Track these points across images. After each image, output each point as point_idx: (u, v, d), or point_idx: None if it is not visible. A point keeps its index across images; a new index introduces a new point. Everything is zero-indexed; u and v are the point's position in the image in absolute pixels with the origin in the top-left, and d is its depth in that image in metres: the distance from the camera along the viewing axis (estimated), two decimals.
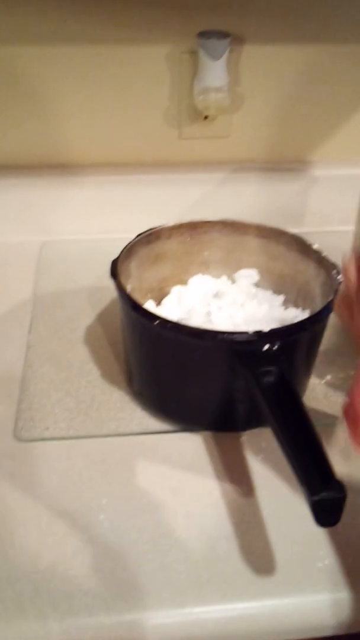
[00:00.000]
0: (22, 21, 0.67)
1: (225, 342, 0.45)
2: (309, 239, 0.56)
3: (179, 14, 0.69)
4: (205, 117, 0.75)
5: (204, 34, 0.68)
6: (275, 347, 0.44)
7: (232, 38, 0.69)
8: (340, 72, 0.75)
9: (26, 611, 0.39)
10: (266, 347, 0.44)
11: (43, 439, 0.50)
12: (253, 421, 0.51)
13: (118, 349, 0.59)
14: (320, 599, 0.41)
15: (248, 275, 0.61)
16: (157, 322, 0.45)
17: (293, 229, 0.58)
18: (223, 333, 0.45)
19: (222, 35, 0.68)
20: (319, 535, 0.44)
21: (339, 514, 0.35)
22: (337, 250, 0.56)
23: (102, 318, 0.65)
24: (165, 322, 0.45)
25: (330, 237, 0.61)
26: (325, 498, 0.35)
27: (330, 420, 0.53)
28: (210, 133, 0.77)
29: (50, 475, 0.47)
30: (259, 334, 0.45)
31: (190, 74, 0.71)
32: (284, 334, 0.46)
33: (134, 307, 0.47)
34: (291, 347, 0.46)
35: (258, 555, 0.42)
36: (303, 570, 0.42)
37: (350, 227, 0.67)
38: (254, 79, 0.74)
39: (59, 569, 0.41)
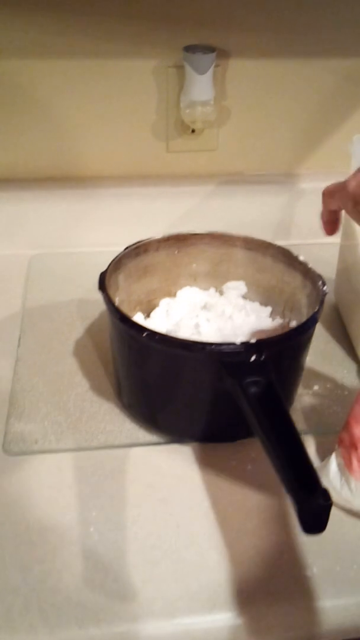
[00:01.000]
0: (8, 34, 0.68)
1: (213, 354, 0.46)
2: (296, 251, 0.58)
3: (165, 29, 0.71)
4: (192, 131, 0.77)
5: (189, 49, 0.70)
6: (262, 357, 0.45)
7: (218, 52, 0.71)
8: (325, 86, 0.77)
9: (16, 624, 0.39)
10: (253, 357, 0.45)
11: (32, 453, 0.51)
12: (242, 432, 0.52)
13: (107, 362, 0.60)
14: (309, 607, 0.41)
15: (236, 287, 0.62)
16: (146, 334, 0.46)
17: (280, 242, 0.59)
18: (210, 344, 0.46)
19: (208, 49, 0.70)
20: (307, 545, 0.44)
21: (325, 522, 0.36)
22: (323, 263, 0.57)
23: (91, 331, 0.66)
24: (153, 334, 0.46)
25: (317, 250, 0.63)
26: (312, 506, 0.36)
27: (317, 430, 0.54)
28: (197, 146, 0.78)
29: (40, 489, 0.48)
30: (246, 345, 0.46)
31: (177, 88, 0.73)
32: (270, 345, 0.47)
33: (122, 319, 0.48)
34: (278, 358, 0.48)
35: (248, 565, 0.43)
36: (292, 579, 0.43)
37: (337, 240, 0.69)
38: (240, 93, 0.76)
39: (49, 581, 0.42)
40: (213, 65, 0.70)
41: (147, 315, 0.61)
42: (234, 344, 0.46)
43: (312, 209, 0.81)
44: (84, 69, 0.72)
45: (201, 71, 0.70)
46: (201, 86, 0.71)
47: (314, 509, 0.36)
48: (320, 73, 0.76)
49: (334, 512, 0.46)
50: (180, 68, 0.72)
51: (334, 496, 0.43)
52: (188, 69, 0.70)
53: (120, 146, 0.77)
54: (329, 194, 0.49)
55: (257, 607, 0.41)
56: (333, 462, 0.47)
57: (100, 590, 0.41)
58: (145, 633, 0.40)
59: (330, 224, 0.51)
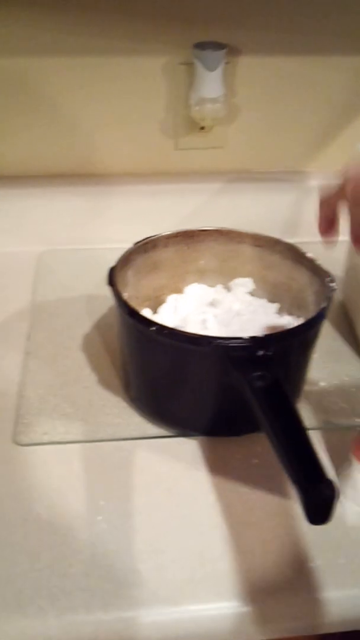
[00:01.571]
0: (18, 32, 0.70)
1: (221, 348, 0.47)
2: (305, 249, 0.59)
3: (175, 26, 0.72)
4: (202, 128, 0.78)
5: (199, 45, 0.71)
6: (270, 352, 0.47)
7: (228, 49, 0.72)
8: (334, 83, 0.79)
9: (26, 608, 0.41)
10: (260, 352, 0.47)
11: (42, 444, 0.53)
12: (248, 426, 0.53)
13: (115, 356, 0.62)
14: (312, 598, 0.43)
15: (243, 284, 0.63)
16: (154, 328, 0.48)
17: (288, 239, 0.61)
18: (218, 339, 0.48)
19: (218, 46, 0.71)
20: (311, 537, 0.46)
21: (331, 513, 0.38)
22: (331, 260, 0.59)
23: (99, 326, 0.67)
24: (161, 328, 0.48)
25: (325, 247, 0.64)
26: (317, 497, 0.37)
27: (324, 426, 0.55)
28: (206, 144, 0.80)
29: (49, 479, 0.50)
30: (253, 339, 0.47)
31: (187, 85, 0.75)
32: (278, 340, 0.48)
33: (130, 313, 0.50)
34: (285, 353, 0.49)
35: (252, 555, 0.45)
36: (294, 570, 0.44)
37: (345, 237, 0.70)
38: (250, 90, 0.78)
39: (58, 567, 0.43)
40: (223, 62, 0.72)
41: (155, 312, 0.62)
42: (241, 338, 0.47)
43: None
44: (93, 67, 0.74)
45: (211, 68, 0.71)
46: (211, 83, 0.72)
47: (320, 499, 0.37)
48: (330, 71, 0.78)
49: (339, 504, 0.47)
50: (190, 65, 0.73)
51: None
52: (198, 65, 0.71)
53: (130, 143, 0.79)
54: (326, 202, 0.49)
55: (260, 596, 0.43)
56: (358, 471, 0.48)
57: (107, 577, 0.43)
58: (151, 619, 0.42)
59: (331, 229, 0.51)
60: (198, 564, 0.44)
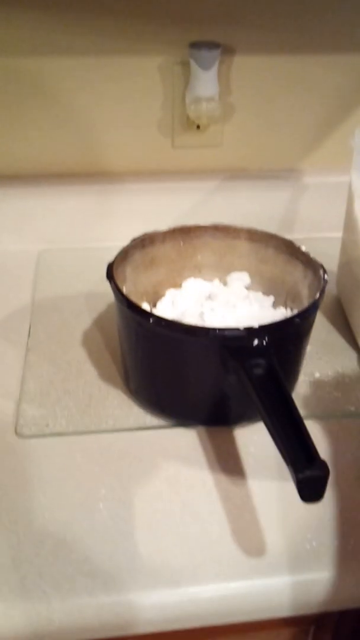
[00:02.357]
0: (14, 33, 0.72)
1: (218, 338, 0.49)
2: (300, 244, 0.60)
3: (171, 26, 0.73)
4: (198, 127, 0.80)
5: (195, 45, 0.73)
6: (265, 342, 0.48)
7: (223, 49, 0.73)
8: (329, 82, 0.80)
9: (30, 592, 0.42)
10: (256, 342, 0.48)
11: (44, 435, 0.54)
12: (245, 416, 0.55)
13: (114, 351, 0.63)
14: (308, 578, 0.44)
15: (239, 278, 0.65)
16: (152, 320, 0.50)
17: (284, 236, 0.62)
18: (215, 329, 0.49)
19: (213, 45, 0.73)
20: (307, 521, 0.47)
21: (323, 491, 0.39)
22: (326, 256, 0.60)
23: (99, 322, 0.69)
24: (160, 320, 0.49)
25: (320, 244, 0.65)
26: (310, 476, 0.39)
27: (318, 415, 0.57)
28: (203, 142, 0.81)
29: (51, 469, 0.51)
30: (249, 329, 0.49)
31: (183, 84, 0.76)
32: (272, 330, 0.50)
33: (129, 306, 0.51)
34: (280, 343, 0.51)
35: (249, 539, 0.46)
36: (292, 552, 0.45)
37: (339, 234, 0.72)
38: (245, 89, 0.79)
39: (61, 553, 0.45)
40: (218, 62, 0.73)
41: (153, 306, 0.64)
42: (237, 329, 0.49)
43: (315, 204, 0.85)
44: (90, 67, 0.75)
45: (206, 67, 0.73)
46: (206, 82, 0.74)
47: (312, 478, 0.39)
48: (325, 69, 0.79)
49: (332, 488, 0.49)
50: (185, 65, 0.75)
51: None
52: (193, 65, 0.73)
53: (127, 142, 0.80)
54: None
55: (258, 578, 0.44)
56: None
57: (108, 562, 0.44)
58: (152, 601, 0.43)
59: None
60: (197, 548, 0.46)
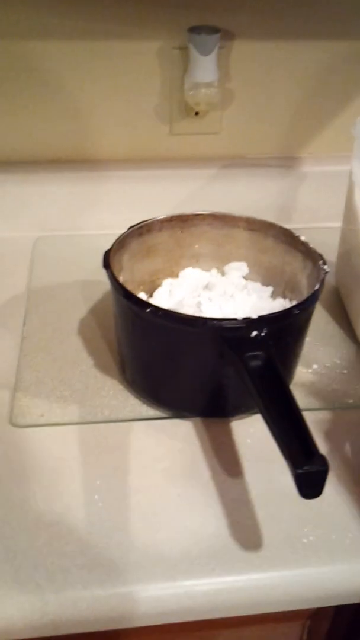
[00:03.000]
0: (10, 15, 0.70)
1: (215, 329, 0.48)
2: (299, 234, 0.59)
3: (170, 10, 0.72)
4: (196, 113, 0.78)
5: (194, 30, 0.71)
6: (263, 333, 0.47)
7: (222, 34, 0.72)
8: (330, 69, 0.78)
9: (24, 584, 0.42)
10: (254, 333, 0.47)
11: (38, 425, 0.53)
12: (242, 407, 0.54)
13: (111, 340, 0.62)
14: (305, 573, 0.44)
15: (237, 268, 0.64)
16: (149, 309, 0.49)
17: (283, 225, 0.61)
18: (212, 320, 0.48)
19: (212, 30, 0.71)
20: (304, 514, 0.47)
21: (322, 486, 0.38)
22: (325, 246, 0.59)
23: (95, 311, 0.68)
24: (156, 310, 0.48)
25: (318, 233, 0.64)
26: (309, 471, 0.38)
27: (316, 407, 0.56)
28: (201, 129, 0.80)
29: (46, 459, 0.50)
30: (247, 320, 0.48)
31: (182, 69, 0.75)
32: (271, 321, 0.49)
33: (126, 295, 0.50)
34: (278, 334, 0.50)
35: (246, 533, 0.46)
36: (288, 547, 0.45)
37: (338, 224, 0.71)
38: (244, 75, 0.77)
39: (56, 545, 0.44)
40: (217, 47, 0.72)
41: (150, 295, 0.63)
42: (235, 319, 0.48)
43: (314, 193, 0.84)
44: (87, 51, 0.73)
45: (205, 52, 0.71)
46: (205, 68, 0.72)
47: (311, 473, 0.38)
48: (325, 55, 0.77)
49: (330, 482, 0.48)
50: (184, 50, 0.73)
51: None
52: (192, 50, 0.71)
53: (124, 128, 0.79)
54: None
55: (254, 572, 0.43)
56: None
57: (104, 554, 0.44)
58: (147, 594, 0.42)
59: None
60: (193, 541, 0.45)
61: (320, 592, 0.44)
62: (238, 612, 0.44)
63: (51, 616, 0.41)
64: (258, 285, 0.63)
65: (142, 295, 0.62)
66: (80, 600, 0.42)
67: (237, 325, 0.47)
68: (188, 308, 0.58)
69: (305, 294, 0.56)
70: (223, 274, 0.65)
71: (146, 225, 0.60)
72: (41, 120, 0.77)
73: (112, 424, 0.54)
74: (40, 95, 0.75)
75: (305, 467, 0.38)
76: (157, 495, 0.48)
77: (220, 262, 0.65)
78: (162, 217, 0.61)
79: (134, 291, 0.53)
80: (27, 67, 0.73)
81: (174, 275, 0.64)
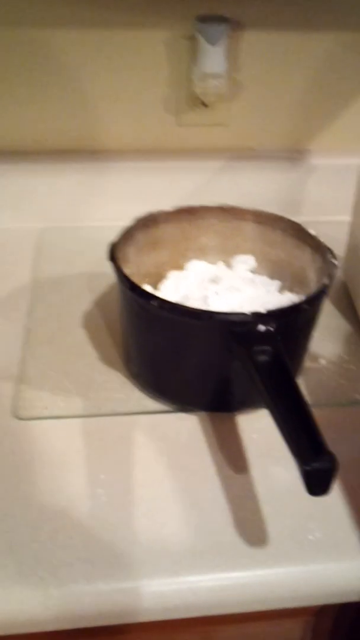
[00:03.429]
0: (14, 3, 0.69)
1: (222, 323, 0.47)
2: (307, 227, 0.59)
3: None
4: (204, 105, 0.77)
5: (202, 19, 0.70)
6: (271, 327, 0.47)
7: (231, 23, 0.71)
8: (340, 60, 0.77)
9: (27, 578, 0.42)
10: (262, 327, 0.47)
11: (42, 418, 0.53)
12: (248, 402, 0.53)
13: (116, 333, 0.62)
14: (310, 570, 0.43)
15: (244, 261, 0.63)
16: (155, 302, 0.48)
17: (291, 218, 0.60)
18: (220, 313, 0.48)
19: (221, 20, 0.70)
20: (310, 510, 0.46)
21: (330, 484, 0.38)
22: (333, 240, 0.58)
23: (100, 303, 0.67)
24: (163, 302, 0.48)
25: (327, 227, 0.63)
26: (317, 468, 0.37)
27: (323, 403, 0.55)
28: (209, 120, 0.79)
29: (50, 452, 0.50)
30: (255, 314, 0.47)
31: (189, 60, 0.74)
32: (279, 316, 0.48)
33: (131, 287, 0.50)
34: (286, 329, 0.49)
35: (251, 528, 0.45)
36: (294, 543, 0.44)
37: (348, 218, 0.70)
38: (253, 66, 0.76)
39: (59, 538, 0.44)
40: (226, 37, 0.71)
41: (156, 288, 0.62)
42: (243, 313, 0.47)
43: (323, 186, 0.83)
44: (93, 40, 0.72)
45: (213, 42, 0.70)
46: (213, 58, 0.71)
47: (319, 471, 0.37)
48: (336, 46, 0.76)
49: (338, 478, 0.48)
50: (192, 39, 0.72)
51: None
52: (200, 39, 0.70)
53: (131, 119, 0.78)
54: None
55: (259, 568, 0.43)
56: None
57: (107, 548, 0.43)
58: (151, 589, 0.42)
59: None
60: (197, 536, 0.45)
61: (325, 589, 0.44)
62: (242, 609, 0.44)
63: (54, 611, 0.41)
64: (265, 279, 0.62)
65: (148, 288, 0.61)
66: (83, 595, 0.41)
67: (245, 320, 0.47)
68: (194, 301, 0.57)
69: (313, 288, 0.55)
70: (230, 267, 0.64)
71: (152, 217, 0.60)
72: (47, 111, 0.76)
73: (116, 417, 0.53)
74: (46, 85, 0.74)
75: (313, 464, 0.37)
76: (162, 489, 0.48)
77: (227, 255, 0.64)
78: (168, 209, 0.61)
79: (139, 284, 0.53)
80: (32, 57, 0.72)
81: (180, 267, 0.64)
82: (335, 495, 0.47)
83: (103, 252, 0.54)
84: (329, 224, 0.70)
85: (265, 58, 0.76)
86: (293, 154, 0.82)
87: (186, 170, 0.80)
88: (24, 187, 0.77)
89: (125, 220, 0.59)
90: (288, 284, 0.61)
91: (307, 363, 0.58)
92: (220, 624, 0.49)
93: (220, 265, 0.64)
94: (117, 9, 0.71)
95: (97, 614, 0.41)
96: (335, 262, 0.53)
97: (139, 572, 0.42)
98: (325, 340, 0.63)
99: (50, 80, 0.74)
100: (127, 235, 0.57)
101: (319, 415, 0.53)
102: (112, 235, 0.56)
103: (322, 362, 0.60)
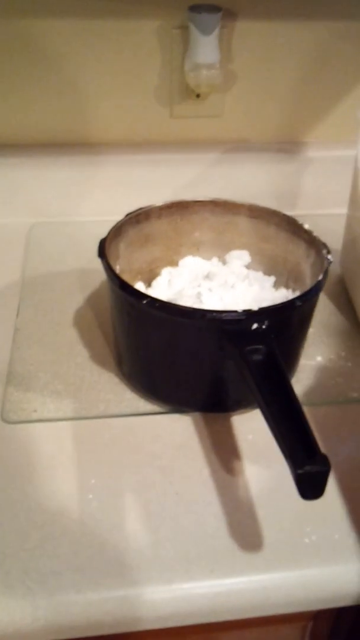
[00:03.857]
0: None
1: (214, 321, 0.46)
2: (302, 221, 0.57)
3: None
4: (198, 96, 0.76)
5: (195, 8, 0.69)
6: (264, 326, 0.46)
7: (224, 13, 0.69)
8: (336, 50, 0.76)
9: (14, 588, 0.40)
10: (255, 326, 0.45)
11: (31, 421, 0.52)
12: (242, 402, 0.52)
13: (107, 332, 0.61)
14: (306, 574, 0.42)
15: (239, 257, 0.62)
16: (146, 301, 0.47)
17: (286, 212, 0.59)
18: (212, 312, 0.46)
19: (214, 9, 0.69)
20: (306, 513, 0.45)
21: (323, 487, 0.37)
22: (330, 234, 0.57)
23: (92, 301, 0.66)
24: (153, 301, 0.47)
25: (323, 220, 0.62)
26: (310, 471, 0.36)
27: (319, 401, 0.54)
28: (202, 112, 0.78)
29: (39, 457, 0.49)
30: (247, 312, 0.46)
31: (182, 50, 0.72)
32: (273, 313, 0.47)
33: (122, 286, 0.48)
34: (280, 326, 0.48)
35: (246, 532, 0.44)
36: (290, 547, 0.43)
37: (344, 211, 0.69)
38: (247, 57, 0.75)
39: (47, 547, 0.43)
40: (219, 26, 0.69)
41: (149, 285, 0.61)
42: (235, 311, 0.46)
43: (319, 179, 0.82)
44: (84, 30, 0.71)
45: (206, 32, 0.69)
46: (206, 48, 0.70)
47: (312, 474, 0.36)
48: (331, 36, 0.75)
49: (333, 479, 0.47)
50: (185, 29, 0.71)
51: None
52: (193, 29, 0.69)
53: (123, 111, 0.77)
54: None
55: (254, 574, 0.42)
56: None
57: (98, 556, 0.42)
58: (144, 598, 0.41)
59: None
60: (191, 541, 0.43)
61: (322, 594, 0.43)
62: (238, 615, 0.43)
63: (42, 621, 0.40)
64: (260, 274, 0.61)
65: (140, 285, 0.60)
66: (72, 605, 0.40)
67: (237, 318, 0.46)
68: (188, 299, 0.56)
69: (308, 284, 0.54)
70: (224, 262, 0.63)
71: (144, 212, 0.58)
72: (36, 102, 0.75)
73: (107, 420, 0.52)
74: (36, 76, 0.73)
75: (306, 468, 0.36)
76: (154, 493, 0.46)
77: (221, 250, 0.63)
78: (160, 203, 0.59)
79: (131, 281, 0.52)
80: (21, 46, 0.71)
81: (174, 264, 0.63)
82: (332, 496, 0.46)
83: (94, 248, 0.53)
84: (325, 217, 0.69)
85: (260, 48, 0.75)
86: (288, 146, 0.81)
87: (178, 163, 0.78)
88: (12, 181, 0.76)
89: (117, 214, 0.57)
90: (283, 280, 0.60)
91: (303, 360, 0.57)
92: (216, 631, 0.48)
93: (215, 260, 0.63)
94: None
95: (87, 625, 0.40)
96: (330, 257, 0.52)
97: (131, 580, 0.41)
98: (322, 336, 0.61)
99: (38, 70, 0.73)
100: (118, 230, 0.56)
101: (315, 413, 0.53)
102: (104, 230, 0.55)
103: (318, 359, 0.59)
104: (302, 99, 0.79)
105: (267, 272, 0.61)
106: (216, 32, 0.70)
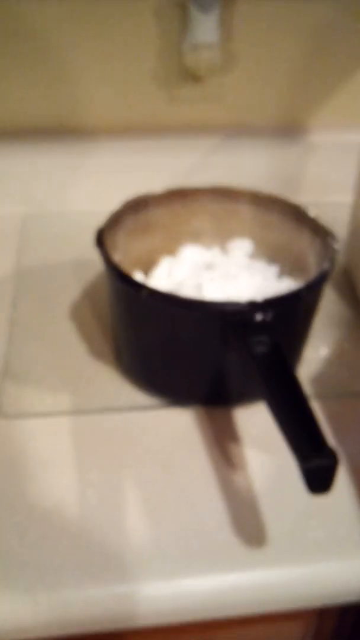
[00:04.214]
0: None
1: (216, 313, 0.47)
2: (307, 208, 0.58)
3: None
4: (197, 79, 0.76)
5: None
6: (268, 317, 0.47)
7: None
8: (341, 28, 0.76)
9: (14, 585, 0.42)
10: (259, 317, 0.47)
11: (28, 415, 0.53)
12: (246, 395, 0.53)
13: (105, 324, 0.62)
14: (311, 570, 0.44)
15: (241, 246, 0.63)
16: (145, 292, 0.48)
17: (289, 199, 0.60)
18: (214, 303, 0.47)
19: None
20: (311, 508, 0.47)
21: (331, 481, 0.38)
22: (335, 222, 0.58)
23: (89, 292, 0.67)
24: (153, 292, 0.48)
25: (328, 208, 0.63)
26: (317, 465, 0.37)
27: (324, 394, 0.55)
28: (201, 95, 0.78)
29: (36, 451, 0.50)
30: (251, 303, 0.47)
31: (179, 29, 0.73)
32: (277, 304, 0.48)
33: (120, 276, 0.49)
34: (285, 317, 0.49)
35: (249, 528, 0.45)
36: (294, 542, 0.45)
37: (349, 198, 0.69)
38: (248, 36, 0.75)
39: (47, 543, 0.44)
40: (218, 4, 0.70)
41: (147, 275, 0.62)
42: (239, 303, 0.47)
43: (323, 164, 0.82)
44: (78, 10, 0.71)
45: (206, 10, 0.69)
46: (205, 27, 0.70)
47: (320, 468, 0.37)
48: (337, 15, 0.75)
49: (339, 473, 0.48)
50: (182, 7, 0.71)
51: None
52: (191, 7, 0.69)
53: (119, 95, 0.77)
54: None
55: (258, 570, 0.43)
56: None
57: (98, 552, 0.44)
58: (145, 594, 0.42)
59: None
60: (193, 537, 0.45)
61: (327, 590, 0.44)
62: (241, 612, 0.44)
63: (42, 617, 0.41)
64: (263, 264, 0.62)
65: (139, 276, 0.61)
66: (73, 601, 0.41)
67: (241, 309, 0.47)
68: (188, 289, 0.57)
69: (313, 273, 0.55)
70: (226, 251, 0.64)
71: (142, 200, 0.59)
72: (26, 87, 0.75)
73: (107, 414, 0.53)
74: (25, 59, 0.73)
75: (313, 461, 0.37)
76: (155, 489, 0.48)
77: (222, 239, 0.64)
78: (159, 191, 0.60)
79: (129, 271, 0.52)
80: (8, 28, 0.71)
81: (173, 253, 0.63)
82: (338, 490, 0.47)
83: (91, 238, 0.53)
84: (330, 204, 0.70)
85: (261, 27, 0.75)
86: (292, 130, 0.81)
87: (177, 149, 0.79)
88: (5, 170, 0.77)
89: (113, 203, 0.58)
90: (287, 269, 0.61)
91: (307, 353, 0.58)
92: (218, 628, 0.50)
93: (216, 250, 0.64)
94: None
95: (87, 620, 0.42)
96: (336, 246, 0.53)
97: (131, 575, 0.42)
98: (326, 327, 0.62)
99: (28, 52, 0.73)
100: (116, 219, 0.57)
101: (320, 407, 0.54)
102: (100, 219, 0.55)
103: (323, 351, 0.60)
104: (306, 80, 0.79)
105: (270, 262, 0.62)
106: (216, 10, 0.70)
